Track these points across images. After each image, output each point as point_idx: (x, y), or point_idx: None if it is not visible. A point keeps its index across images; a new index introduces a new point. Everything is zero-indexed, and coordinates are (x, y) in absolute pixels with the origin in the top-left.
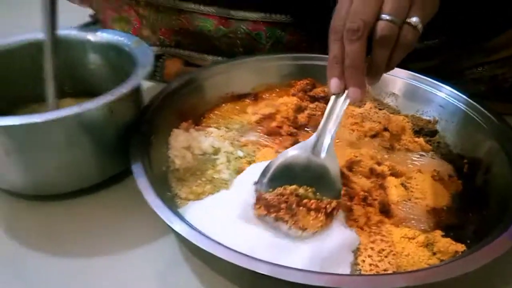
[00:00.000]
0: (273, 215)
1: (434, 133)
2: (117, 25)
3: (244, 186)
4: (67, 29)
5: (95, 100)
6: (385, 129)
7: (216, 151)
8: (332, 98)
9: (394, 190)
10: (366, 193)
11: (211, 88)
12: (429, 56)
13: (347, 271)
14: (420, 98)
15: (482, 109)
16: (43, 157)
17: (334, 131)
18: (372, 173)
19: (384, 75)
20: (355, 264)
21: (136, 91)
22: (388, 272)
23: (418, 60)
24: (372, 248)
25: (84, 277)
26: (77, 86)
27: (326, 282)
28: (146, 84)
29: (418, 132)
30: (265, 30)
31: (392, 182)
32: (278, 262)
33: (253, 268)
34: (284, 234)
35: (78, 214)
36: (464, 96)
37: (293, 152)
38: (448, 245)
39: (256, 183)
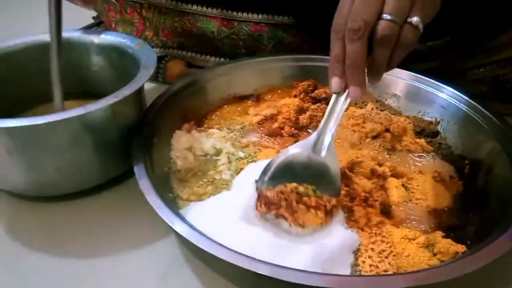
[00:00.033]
0: (273, 212)
1: (435, 134)
2: (120, 27)
3: (245, 187)
4: (70, 31)
5: (98, 102)
6: (387, 130)
7: (218, 152)
8: (333, 97)
9: (395, 191)
10: (367, 194)
11: (213, 89)
12: (431, 57)
13: (347, 272)
14: (421, 99)
15: (483, 110)
16: (45, 158)
17: (335, 130)
18: (373, 174)
19: (386, 76)
20: (355, 265)
21: (139, 93)
22: (388, 273)
23: (420, 61)
24: (372, 249)
25: (85, 278)
26: (80, 88)
27: (327, 283)
28: (149, 86)
29: (419, 133)
30: (267, 31)
31: (393, 183)
32: (279, 263)
33: (254, 269)
34: (284, 231)
35: (80, 215)
36: (466, 97)
37: (294, 150)
38: (448, 246)
39: (257, 180)
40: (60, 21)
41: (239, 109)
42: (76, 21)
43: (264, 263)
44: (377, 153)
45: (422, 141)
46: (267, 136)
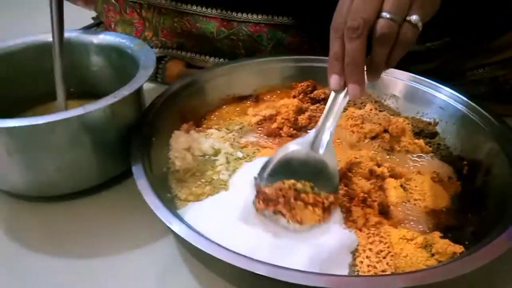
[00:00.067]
0: (271, 208)
1: (434, 135)
2: (119, 27)
3: (243, 187)
4: (70, 31)
5: (97, 102)
6: (385, 131)
7: (216, 153)
8: (332, 94)
9: (393, 192)
10: (365, 195)
11: (212, 90)
12: (430, 58)
13: (345, 272)
14: (420, 100)
15: (482, 110)
16: (45, 158)
17: (333, 128)
18: (371, 174)
19: (385, 77)
20: (353, 265)
21: (138, 93)
22: (386, 273)
23: (419, 62)
24: (370, 249)
25: (84, 278)
26: (79, 88)
27: (325, 283)
28: (148, 86)
29: (418, 133)
30: (267, 32)
31: (391, 184)
32: (277, 263)
33: (252, 269)
34: (282, 227)
35: (79, 215)
36: (464, 98)
37: (293, 147)
38: (446, 246)
39: (256, 177)
40: (62, 21)
41: (238, 109)
42: (75, 21)
43: (262, 263)
44: (376, 153)
45: (420, 141)
46: (266, 137)
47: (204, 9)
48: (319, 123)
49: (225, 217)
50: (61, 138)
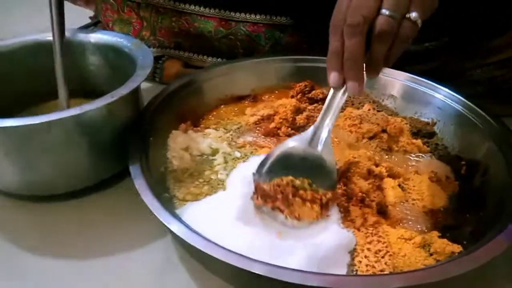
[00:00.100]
0: (270, 205)
1: (432, 134)
2: (117, 27)
3: (241, 187)
4: (68, 30)
5: (95, 101)
6: (383, 131)
7: (214, 152)
8: (331, 91)
9: (391, 191)
10: (363, 194)
11: (210, 89)
12: (428, 58)
13: (343, 271)
14: (418, 100)
15: (480, 110)
16: (41, 158)
17: (332, 124)
18: (369, 174)
19: (383, 77)
20: (351, 264)
21: (135, 93)
22: (385, 272)
23: (417, 63)
24: (368, 249)
25: (80, 279)
26: (76, 87)
27: (322, 283)
28: (146, 86)
29: (416, 133)
30: (265, 31)
31: (389, 183)
32: (275, 262)
33: (249, 268)
34: (280, 224)
35: (75, 215)
36: (462, 98)
37: (291, 144)
38: (444, 246)
39: (254, 173)
40: (62, 22)
41: (236, 109)
42: (73, 20)
43: (259, 263)
44: (374, 153)
45: (418, 141)
46: (263, 136)
47: (202, 8)
48: (318, 120)
49: (223, 216)
50: (57, 138)
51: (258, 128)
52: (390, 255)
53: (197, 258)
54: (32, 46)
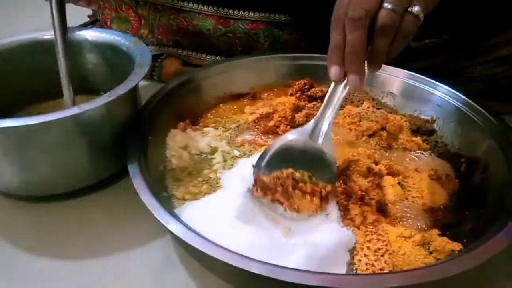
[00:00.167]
0: (269, 197)
1: (431, 132)
2: (115, 25)
3: (240, 186)
4: None
5: (93, 101)
6: (383, 129)
7: (213, 151)
8: (332, 85)
9: (391, 189)
10: (363, 193)
11: (209, 88)
12: (427, 55)
13: (343, 270)
14: (417, 97)
15: (479, 108)
16: (40, 158)
17: (333, 118)
18: (369, 172)
19: (382, 74)
20: (351, 263)
21: (133, 92)
22: (384, 271)
23: (417, 60)
24: (368, 247)
25: (79, 278)
26: (75, 85)
27: (321, 282)
28: (144, 84)
29: (415, 131)
30: (263, 29)
31: (389, 181)
32: (275, 262)
33: (249, 268)
34: (279, 215)
35: (74, 215)
36: (462, 95)
37: (291, 137)
38: (444, 244)
39: (254, 166)
40: (64, 23)
41: (234, 107)
42: (71, 19)
43: (259, 262)
44: (373, 151)
45: (418, 139)
46: (262, 135)
47: (200, 6)
48: (318, 113)
49: (223, 216)
50: (56, 138)
51: (257, 126)
52: (390, 253)
53: (196, 257)
54: (29, 45)
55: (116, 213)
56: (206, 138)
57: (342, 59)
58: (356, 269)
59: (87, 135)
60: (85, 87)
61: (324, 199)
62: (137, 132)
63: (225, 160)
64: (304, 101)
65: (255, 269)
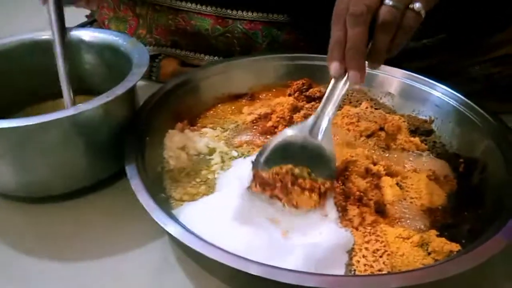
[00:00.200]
0: (268, 193)
1: (430, 132)
2: (113, 25)
3: (238, 187)
4: None
5: (90, 101)
6: (381, 129)
7: (211, 152)
8: (332, 81)
9: (389, 190)
10: (361, 193)
11: (207, 88)
12: (425, 55)
13: (341, 271)
14: (416, 97)
15: (477, 108)
16: (38, 159)
17: (333, 114)
18: (367, 172)
19: (380, 74)
20: (349, 264)
21: (131, 92)
22: (383, 272)
23: (415, 60)
24: (366, 248)
25: (77, 279)
26: (72, 86)
27: (319, 283)
28: (142, 84)
29: (414, 131)
30: (262, 29)
31: (387, 182)
32: (273, 263)
33: (246, 269)
34: (277, 211)
35: (71, 216)
36: (460, 95)
37: (291, 133)
38: (442, 245)
39: (253, 161)
40: (63, 24)
41: (233, 108)
42: (69, 19)
43: (256, 264)
44: (372, 151)
45: (416, 139)
46: (260, 135)
47: (199, 6)
48: (318, 109)
49: (221, 217)
50: (54, 139)
51: (255, 127)
52: (388, 254)
53: (194, 258)
54: (28, 44)
55: (114, 214)
56: (204, 138)
57: (342, 55)
58: (354, 270)
59: (84, 136)
60: (82, 88)
61: (322, 196)
62: (135, 133)
63: (223, 161)
64: (303, 101)
65: (253, 270)
